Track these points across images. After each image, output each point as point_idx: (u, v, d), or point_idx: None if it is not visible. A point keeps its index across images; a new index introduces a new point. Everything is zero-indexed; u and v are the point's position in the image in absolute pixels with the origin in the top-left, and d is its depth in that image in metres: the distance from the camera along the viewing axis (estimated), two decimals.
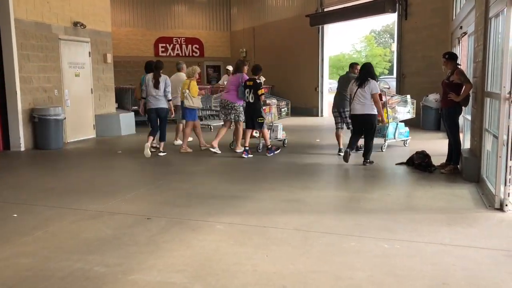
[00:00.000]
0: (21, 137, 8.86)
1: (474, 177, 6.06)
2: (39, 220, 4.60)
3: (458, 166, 6.73)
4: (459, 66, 6.75)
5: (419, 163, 6.86)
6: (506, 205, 4.75)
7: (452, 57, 6.71)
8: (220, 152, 8.33)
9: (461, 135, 6.99)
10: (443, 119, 6.90)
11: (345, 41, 64.53)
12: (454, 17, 11.00)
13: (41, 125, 9.02)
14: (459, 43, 10.18)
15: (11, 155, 8.62)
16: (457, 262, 3.48)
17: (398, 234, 4.10)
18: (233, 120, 8.48)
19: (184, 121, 8.90)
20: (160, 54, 21.78)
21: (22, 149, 8.93)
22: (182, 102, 8.50)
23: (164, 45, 21.88)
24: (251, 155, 8.04)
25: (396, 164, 7.35)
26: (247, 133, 8.33)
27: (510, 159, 4.68)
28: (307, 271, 3.38)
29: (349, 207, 5.02)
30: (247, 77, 8.24)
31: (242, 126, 8.47)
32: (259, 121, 8.12)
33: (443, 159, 7.04)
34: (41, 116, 9.00)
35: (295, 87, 17.76)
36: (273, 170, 7.11)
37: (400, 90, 13.67)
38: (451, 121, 6.67)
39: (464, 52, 9.89)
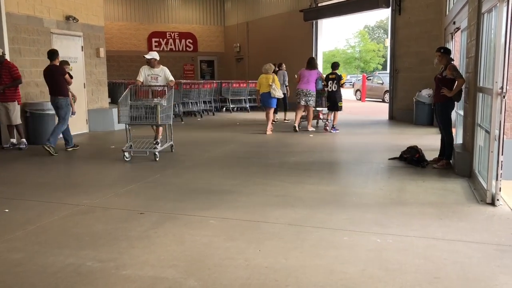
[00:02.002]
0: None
1: (466, 172, 6.10)
2: (31, 215, 4.57)
3: (451, 161, 6.76)
4: (452, 62, 6.76)
5: (411, 158, 6.89)
6: (498, 199, 4.78)
7: (446, 52, 6.73)
8: (297, 131, 10.94)
9: (453, 130, 7.04)
10: (436, 114, 6.92)
11: (340, 36, 64.45)
12: (447, 13, 11.02)
13: (33, 120, 8.96)
14: (452, 38, 10.20)
15: (3, 150, 8.55)
16: (448, 256, 3.50)
17: (390, 229, 4.12)
18: (308, 105, 11.01)
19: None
20: (154, 48, 21.66)
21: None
22: (269, 92, 10.56)
23: (157, 39, 21.80)
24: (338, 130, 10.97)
25: (389, 159, 7.37)
26: (330, 115, 11.25)
27: (502, 154, 4.70)
28: (299, 265, 3.38)
29: (341, 202, 5.03)
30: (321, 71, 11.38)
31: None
32: (340, 104, 10.86)
33: (436, 154, 7.08)
34: (33, 111, 8.94)
35: (288, 82, 17.72)
36: (266, 165, 7.11)
37: (393, 86, 13.74)
38: (444, 116, 6.70)
39: (457, 48, 9.93)
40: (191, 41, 22.31)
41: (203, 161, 7.56)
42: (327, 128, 11.07)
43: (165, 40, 21.93)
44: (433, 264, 3.36)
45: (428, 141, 8.95)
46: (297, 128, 10.95)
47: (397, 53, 13.49)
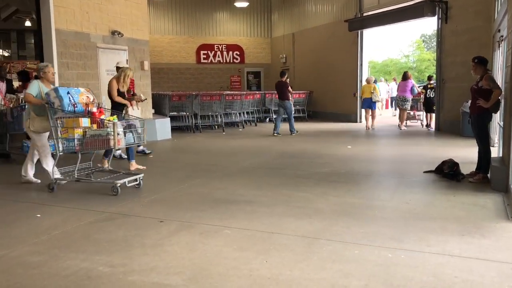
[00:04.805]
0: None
1: (502, 186, 5.81)
2: (58, 221, 4.82)
3: (488, 175, 6.46)
4: (488, 72, 6.49)
5: (445, 172, 6.65)
6: None
7: (481, 62, 6.47)
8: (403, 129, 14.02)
9: (497, 142, 6.72)
10: (472, 126, 6.66)
11: (395, 45, 63.22)
12: (495, 20, 10.58)
13: None
14: (499, 47, 9.77)
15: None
16: (460, 274, 3.35)
17: (405, 244, 4.00)
18: (403, 108, 14.25)
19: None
20: (202, 61, 22.25)
21: (61, 153, 9.32)
22: (371, 98, 14.03)
23: (205, 52, 22.31)
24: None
25: (424, 172, 7.15)
26: (427, 116, 14.26)
27: None
28: (303, 278, 3.36)
29: (362, 215, 4.93)
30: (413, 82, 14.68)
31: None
32: (434, 108, 13.66)
33: (474, 168, 6.79)
34: None
35: (333, 92, 17.64)
36: (294, 176, 7.08)
37: (440, 96, 13.30)
38: (480, 129, 6.44)
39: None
40: (238, 53, 22.67)
41: (233, 171, 7.64)
42: (424, 126, 14.47)
43: (213, 52, 22.41)
44: (441, 282, 3.24)
45: (471, 154, 8.58)
46: (401, 127, 14.25)
47: (444, 62, 13.07)
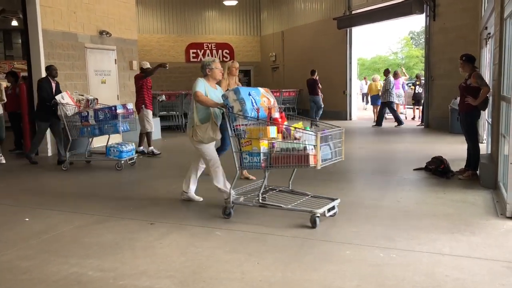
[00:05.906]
0: (48, 142, 9.20)
1: (491, 183, 5.86)
2: (48, 224, 4.77)
3: (477, 172, 6.51)
4: (476, 69, 6.54)
5: (435, 169, 6.70)
6: None
7: (469, 60, 6.51)
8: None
9: (485, 139, 6.77)
10: (461, 124, 6.70)
11: (383, 43, 63.44)
12: (482, 17, 10.66)
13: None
14: (486, 44, 9.84)
15: (38, 160, 8.91)
16: (451, 273, 3.37)
17: (397, 243, 4.02)
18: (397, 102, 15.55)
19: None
20: (191, 60, 22.12)
21: (49, 154, 9.26)
22: (377, 94, 15.18)
23: (195, 51, 22.19)
24: None
25: (414, 169, 7.19)
26: (418, 110, 15.59)
27: None
28: (294, 279, 3.36)
29: (354, 214, 4.94)
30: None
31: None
32: (422, 101, 14.69)
33: (464, 165, 6.83)
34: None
35: (323, 90, 17.60)
36: (285, 175, 7.06)
37: (428, 93, 13.38)
38: (469, 126, 6.48)
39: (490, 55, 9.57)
40: (227, 51, 22.57)
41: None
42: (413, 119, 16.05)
43: (202, 51, 22.29)
44: (433, 281, 3.25)
45: (460, 150, 8.64)
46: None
47: (432, 59, 13.14)
